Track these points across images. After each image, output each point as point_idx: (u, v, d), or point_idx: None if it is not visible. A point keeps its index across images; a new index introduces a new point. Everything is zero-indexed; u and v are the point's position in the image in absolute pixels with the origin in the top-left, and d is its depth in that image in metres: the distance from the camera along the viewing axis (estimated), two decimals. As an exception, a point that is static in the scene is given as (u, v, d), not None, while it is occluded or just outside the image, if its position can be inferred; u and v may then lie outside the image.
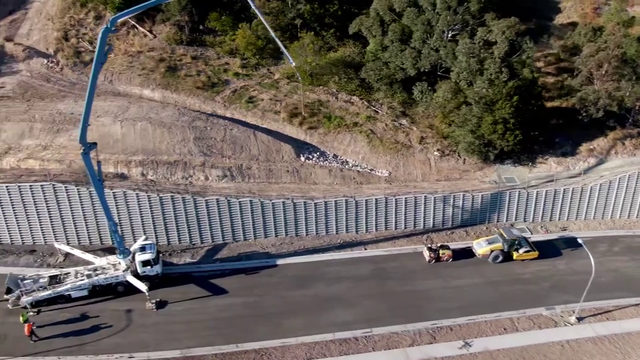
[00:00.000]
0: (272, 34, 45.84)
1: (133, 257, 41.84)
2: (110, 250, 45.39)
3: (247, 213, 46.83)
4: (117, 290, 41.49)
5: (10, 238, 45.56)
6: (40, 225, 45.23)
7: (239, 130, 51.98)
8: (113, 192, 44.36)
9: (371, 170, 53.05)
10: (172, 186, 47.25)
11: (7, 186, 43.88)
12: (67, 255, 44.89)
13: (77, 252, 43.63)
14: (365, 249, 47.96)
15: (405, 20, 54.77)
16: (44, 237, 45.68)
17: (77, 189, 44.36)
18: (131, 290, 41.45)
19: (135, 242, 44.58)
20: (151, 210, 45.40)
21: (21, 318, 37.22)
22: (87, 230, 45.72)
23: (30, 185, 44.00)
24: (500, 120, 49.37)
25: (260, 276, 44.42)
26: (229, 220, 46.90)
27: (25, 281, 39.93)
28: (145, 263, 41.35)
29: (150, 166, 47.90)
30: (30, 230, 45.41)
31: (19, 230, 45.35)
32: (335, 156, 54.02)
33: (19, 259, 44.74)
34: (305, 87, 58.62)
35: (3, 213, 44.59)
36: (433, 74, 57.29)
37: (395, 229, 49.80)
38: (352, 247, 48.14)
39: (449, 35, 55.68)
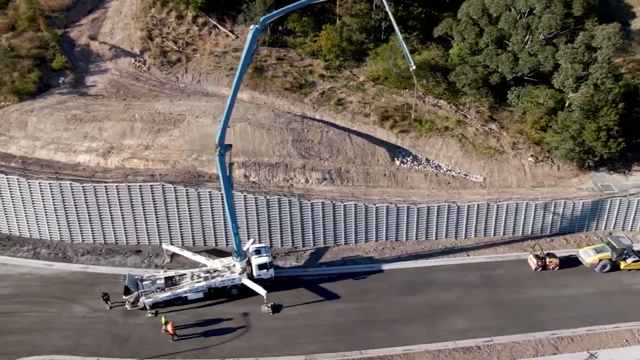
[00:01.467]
0: (399, 36, 44.78)
1: (248, 260, 41.57)
2: (214, 253, 45.29)
3: (350, 217, 46.44)
4: (231, 293, 41.20)
5: (115, 238, 45.44)
6: (146, 225, 45.08)
7: (334, 132, 51.56)
8: (221, 194, 44.16)
9: (465, 175, 52.37)
10: (275, 188, 46.92)
11: (116, 185, 43.79)
12: (172, 256, 44.73)
13: (188, 254, 43.37)
14: (468, 255, 47.36)
15: (502, 24, 54.04)
16: (148, 238, 45.52)
17: (186, 190, 44.14)
18: (244, 293, 41.25)
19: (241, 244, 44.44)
20: (257, 213, 45.15)
21: (163, 319, 37.15)
22: (192, 231, 45.50)
23: (140, 185, 43.84)
24: (604, 127, 48.54)
25: (368, 281, 43.91)
26: (332, 224, 46.51)
27: (144, 282, 39.78)
28: (261, 266, 40.99)
29: (252, 168, 47.56)
30: (136, 230, 45.25)
31: (125, 230, 45.25)
32: (427, 160, 53.37)
33: (126, 259, 44.60)
34: (392, 90, 58.12)
35: (110, 212, 44.49)
36: (520, 79, 56.56)
37: (494, 235, 49.13)
38: (454, 252, 47.53)
39: (542, 39, 54.85)
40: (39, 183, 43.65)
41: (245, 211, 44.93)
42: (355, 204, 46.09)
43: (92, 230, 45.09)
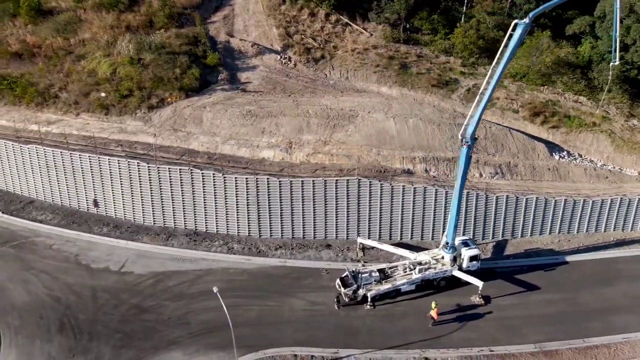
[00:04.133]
0: (617, 33, 44.94)
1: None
2: (400, 247, 45.72)
3: (529, 210, 47.25)
4: (439, 285, 41.82)
5: (304, 232, 45.73)
6: (337, 220, 45.40)
7: (496, 128, 52.39)
8: (414, 187, 44.87)
9: (620, 169, 53.52)
10: (453, 182, 47.61)
11: (313, 180, 44.16)
12: (364, 249, 45.18)
13: (388, 247, 43.86)
14: (643, 247, 48.58)
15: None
16: (336, 232, 45.83)
17: (381, 184, 44.62)
18: (452, 284, 41.94)
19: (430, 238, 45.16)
20: (445, 206, 45.80)
21: (433, 304, 38.01)
22: (380, 226, 45.92)
23: (337, 180, 44.26)
24: None
25: (559, 273, 44.67)
26: (512, 217, 47.34)
27: (362, 275, 40.19)
28: (473, 258, 41.65)
29: (432, 162, 48.16)
30: (326, 224, 45.58)
31: (314, 225, 45.56)
32: (579, 155, 54.54)
33: (319, 253, 44.94)
34: (532, 87, 59.13)
35: (303, 208, 44.85)
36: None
37: (662, 227, 50.45)
38: (627, 245, 48.57)
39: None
40: (235, 178, 43.94)
41: (435, 205, 45.66)
42: (536, 198, 47.00)
43: (281, 225, 45.43)
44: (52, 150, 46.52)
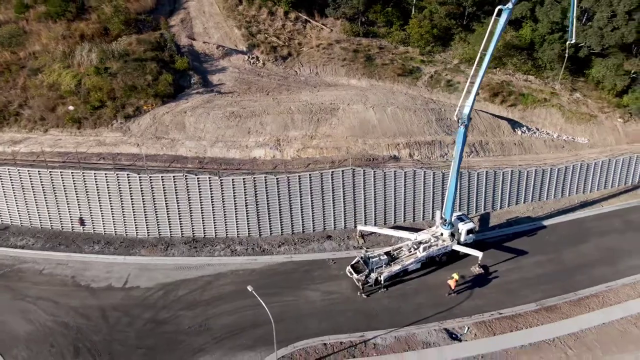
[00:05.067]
0: (574, 14, 47.72)
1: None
2: (395, 229, 47.56)
3: (506, 182, 50.90)
4: (441, 260, 44.09)
5: (303, 226, 46.23)
6: (334, 210, 46.37)
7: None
8: (404, 172, 46.85)
9: (573, 139, 58.86)
10: (441, 163, 50.16)
11: (310, 174, 44.82)
12: (363, 236, 46.49)
13: (388, 231, 45.49)
14: (602, 206, 53.73)
15: (585, 3, 60.94)
16: (334, 223, 46.79)
17: (374, 172, 46.14)
18: (451, 259, 44.39)
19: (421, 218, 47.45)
20: (433, 186, 48.19)
21: (455, 275, 40.40)
22: (375, 212, 47.42)
23: (332, 172, 45.20)
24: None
25: (540, 237, 48.61)
26: (491, 190, 50.75)
27: (372, 259, 41.46)
28: (469, 231, 44.26)
29: (414, 147, 50.40)
30: (324, 216, 46.39)
31: (313, 218, 46.18)
32: (537, 129, 59.32)
33: (322, 244, 45.70)
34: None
35: (301, 202, 45.35)
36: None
37: (618, 186, 55.95)
38: (589, 206, 53.66)
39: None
40: (233, 180, 43.62)
41: (424, 186, 47.93)
42: (511, 170, 50.76)
43: (281, 222, 45.68)
44: (28, 170, 43.62)
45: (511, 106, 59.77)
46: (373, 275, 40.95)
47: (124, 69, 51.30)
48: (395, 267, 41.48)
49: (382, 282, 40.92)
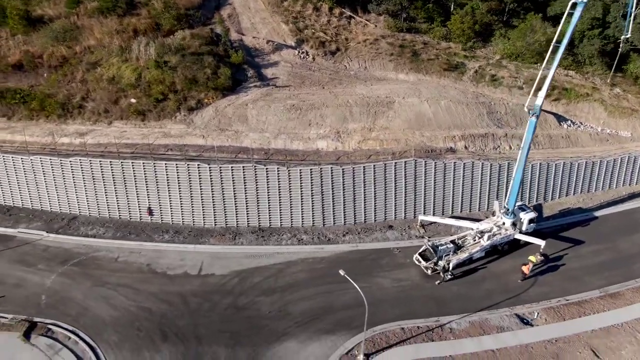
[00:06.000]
0: (633, 9, 48.60)
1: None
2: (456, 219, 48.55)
3: (558, 174, 51.96)
4: (503, 249, 45.12)
5: (365, 216, 47.20)
6: (395, 201, 47.36)
7: (513, 104, 56.77)
8: (463, 163, 47.90)
9: (617, 133, 60.01)
10: (496, 155, 51.17)
11: (374, 165, 45.81)
12: (423, 226, 47.48)
13: (450, 221, 46.51)
14: (651, 197, 55.06)
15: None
16: (395, 213, 47.79)
17: (435, 163, 47.18)
18: (511, 248, 45.42)
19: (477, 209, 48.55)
20: (490, 178, 49.23)
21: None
22: (434, 201, 48.44)
23: (396, 162, 46.21)
24: None
25: (594, 227, 49.61)
26: (544, 182, 51.81)
27: (440, 247, 42.47)
28: (530, 220, 45.32)
29: (469, 139, 51.46)
30: (385, 206, 47.38)
31: (375, 208, 47.14)
32: (580, 123, 60.43)
33: (385, 234, 46.70)
34: (527, 65, 64.42)
35: (365, 192, 46.32)
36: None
37: (660, 178, 57.32)
38: (637, 197, 54.68)
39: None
40: (300, 170, 44.57)
41: (481, 177, 48.96)
42: (563, 162, 51.87)
43: (344, 212, 46.65)
44: (100, 161, 44.52)
45: (555, 100, 60.83)
46: (441, 263, 41.96)
47: (183, 62, 52.18)
48: (463, 255, 42.52)
49: (450, 269, 41.98)
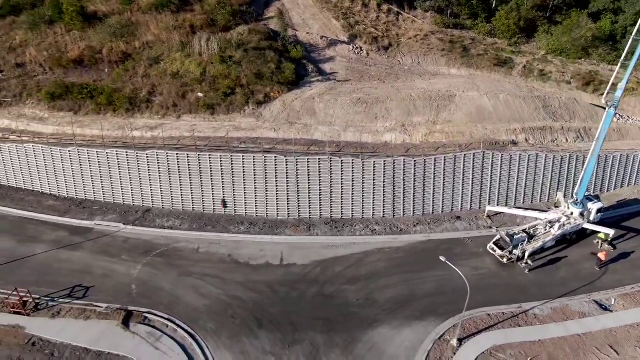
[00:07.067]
0: None
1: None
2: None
3: (614, 166, 53.09)
4: (572, 238, 46.12)
5: (433, 207, 48.07)
6: (462, 192, 48.24)
7: (566, 97, 57.88)
8: (528, 155, 48.87)
9: (664, 126, 61.37)
10: (555, 148, 52.14)
11: (444, 157, 46.69)
12: (490, 216, 48.38)
13: (518, 212, 47.46)
14: None
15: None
16: (462, 203, 48.69)
17: (502, 155, 48.11)
18: (578, 237, 46.45)
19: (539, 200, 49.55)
20: (552, 169, 50.25)
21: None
22: (499, 192, 49.36)
23: (465, 154, 47.10)
24: None
25: (656, 217, 51.08)
26: (601, 174, 52.90)
27: (516, 237, 43.38)
28: (599, 210, 46.35)
29: (529, 132, 52.46)
30: (453, 197, 48.26)
31: (443, 198, 48.03)
32: (628, 117, 61.61)
33: (454, 224, 47.59)
34: (571, 60, 65.59)
35: (434, 183, 47.18)
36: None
37: None
38: (688, 188, 56.14)
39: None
40: (374, 162, 45.36)
41: (543, 169, 49.97)
42: (620, 154, 52.98)
43: (414, 203, 47.49)
44: (177, 154, 45.12)
45: (602, 95, 61.93)
46: (516, 252, 42.94)
47: (247, 57, 52.92)
48: (538, 244, 43.48)
49: (525, 257, 42.93)
